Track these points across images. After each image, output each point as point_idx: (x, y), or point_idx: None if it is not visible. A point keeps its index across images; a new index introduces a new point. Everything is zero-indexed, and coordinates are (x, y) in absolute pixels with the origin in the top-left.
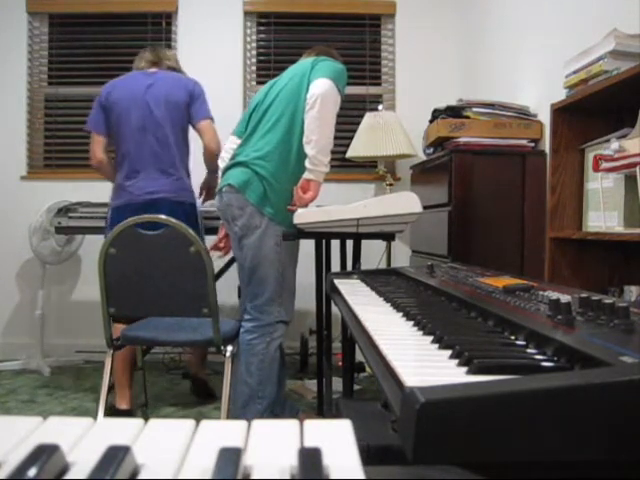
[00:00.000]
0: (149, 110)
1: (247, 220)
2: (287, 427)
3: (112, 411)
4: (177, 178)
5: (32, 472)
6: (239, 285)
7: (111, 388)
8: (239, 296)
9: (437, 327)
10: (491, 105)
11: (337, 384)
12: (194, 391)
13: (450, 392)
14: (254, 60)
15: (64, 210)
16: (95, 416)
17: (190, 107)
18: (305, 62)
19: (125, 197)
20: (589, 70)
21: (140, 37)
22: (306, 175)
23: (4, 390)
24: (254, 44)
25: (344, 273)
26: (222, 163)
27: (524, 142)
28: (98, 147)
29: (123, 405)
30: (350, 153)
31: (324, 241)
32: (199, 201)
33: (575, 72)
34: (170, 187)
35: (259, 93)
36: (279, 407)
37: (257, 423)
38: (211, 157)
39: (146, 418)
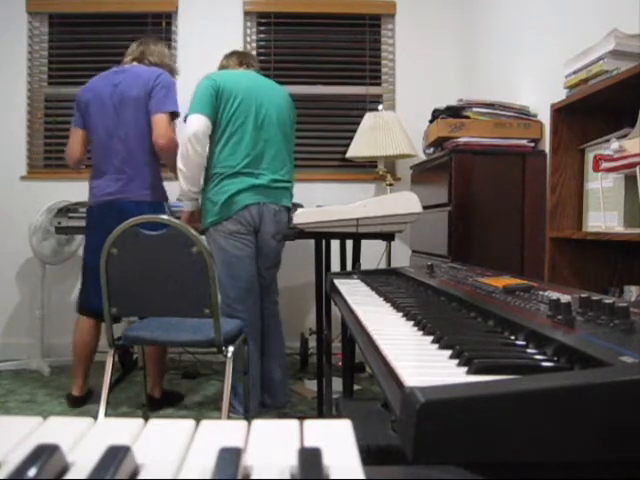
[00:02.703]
0: (114, 111)
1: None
2: (287, 427)
3: (68, 398)
4: (135, 178)
5: (32, 472)
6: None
7: (113, 386)
8: None
9: (437, 327)
10: (491, 105)
11: (337, 384)
12: (151, 409)
13: (450, 392)
14: None
15: (64, 210)
16: (95, 416)
17: (149, 102)
18: (287, 94)
19: (91, 199)
20: (589, 70)
21: (140, 37)
22: None
23: (4, 390)
24: (254, 44)
25: (344, 273)
26: None
27: (524, 142)
28: (75, 144)
29: (76, 392)
30: (350, 153)
31: (324, 241)
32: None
33: (575, 72)
34: (127, 187)
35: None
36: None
37: (257, 423)
38: (160, 153)
39: (146, 418)
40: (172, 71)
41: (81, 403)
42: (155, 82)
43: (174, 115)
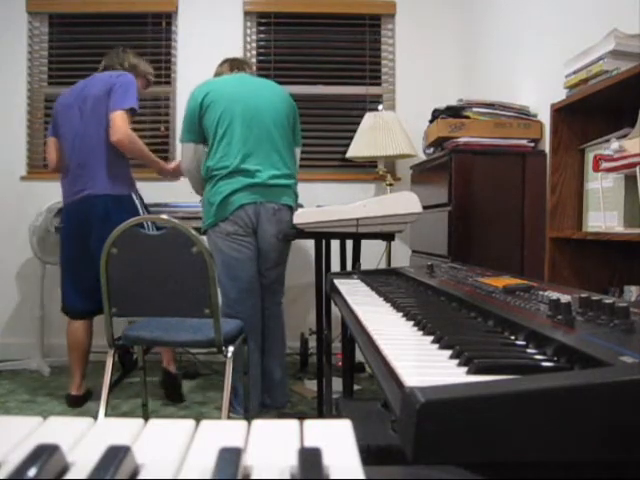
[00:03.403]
0: (78, 112)
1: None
2: (287, 427)
3: (67, 398)
4: (97, 173)
5: (32, 472)
6: None
7: (113, 386)
8: None
9: (437, 327)
10: (491, 105)
11: (337, 384)
12: (163, 385)
13: (450, 392)
14: (254, 60)
15: None
16: (95, 416)
17: (108, 100)
18: (283, 90)
19: (63, 200)
20: (589, 70)
21: (140, 37)
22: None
23: (4, 390)
24: (254, 44)
25: (344, 273)
26: None
27: (524, 142)
28: (52, 152)
29: (74, 391)
30: (350, 153)
31: (324, 241)
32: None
33: (575, 72)
34: (89, 183)
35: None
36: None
37: (257, 423)
38: (121, 150)
39: (146, 418)
40: (144, 75)
41: (81, 402)
42: (114, 80)
43: (132, 111)
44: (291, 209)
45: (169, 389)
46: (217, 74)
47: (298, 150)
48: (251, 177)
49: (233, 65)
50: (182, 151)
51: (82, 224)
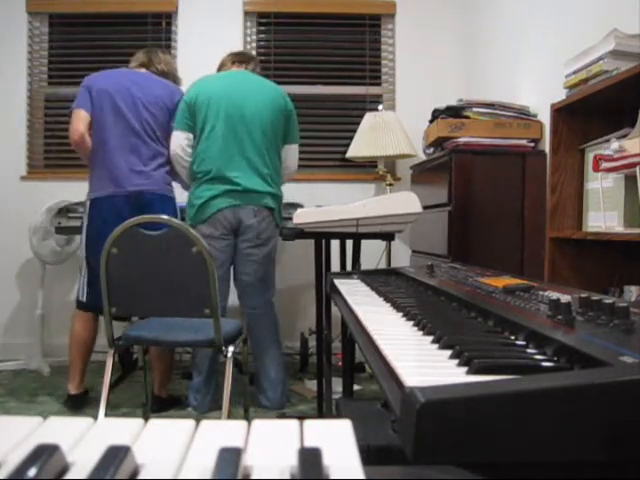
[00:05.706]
0: (134, 105)
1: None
2: (287, 427)
3: (68, 399)
4: (154, 173)
5: (32, 472)
6: None
7: (113, 386)
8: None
9: (437, 327)
10: (491, 105)
11: (337, 384)
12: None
13: (450, 392)
14: None
15: (64, 210)
16: (95, 416)
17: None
18: (275, 90)
19: (109, 189)
20: (589, 70)
21: (140, 37)
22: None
23: (4, 390)
24: (254, 44)
25: (344, 273)
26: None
27: (524, 142)
28: (82, 123)
29: (73, 390)
30: (350, 153)
31: (324, 241)
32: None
33: (575, 72)
34: (149, 180)
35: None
36: None
37: (257, 423)
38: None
39: (146, 418)
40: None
41: (81, 402)
42: (180, 98)
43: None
44: (272, 211)
45: (165, 408)
46: (221, 65)
47: (295, 147)
48: (230, 184)
49: (235, 59)
50: (171, 140)
51: None
